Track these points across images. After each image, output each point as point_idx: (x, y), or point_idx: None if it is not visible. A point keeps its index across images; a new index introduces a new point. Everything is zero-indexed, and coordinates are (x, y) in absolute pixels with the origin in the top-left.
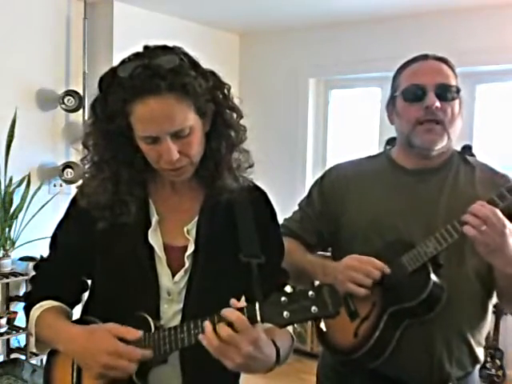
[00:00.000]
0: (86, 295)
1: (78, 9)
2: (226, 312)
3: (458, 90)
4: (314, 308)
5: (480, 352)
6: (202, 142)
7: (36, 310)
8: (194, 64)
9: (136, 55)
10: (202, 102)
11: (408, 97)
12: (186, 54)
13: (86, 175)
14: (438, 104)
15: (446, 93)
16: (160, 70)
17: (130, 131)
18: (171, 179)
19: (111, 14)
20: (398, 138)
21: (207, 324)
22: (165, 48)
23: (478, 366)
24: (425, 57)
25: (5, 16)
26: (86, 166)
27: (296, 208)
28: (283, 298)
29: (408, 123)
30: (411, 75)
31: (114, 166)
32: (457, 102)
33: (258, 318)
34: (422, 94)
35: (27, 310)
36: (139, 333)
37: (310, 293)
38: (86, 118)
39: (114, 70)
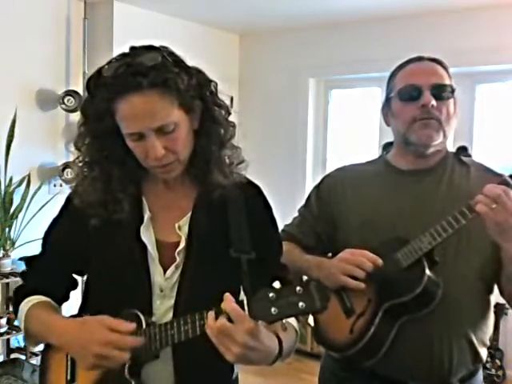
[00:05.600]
0: (81, 293)
1: (78, 9)
2: (222, 304)
3: (453, 90)
4: (301, 303)
5: (483, 352)
6: (189, 138)
7: (25, 305)
8: (178, 62)
9: (121, 55)
10: (186, 98)
11: (404, 97)
12: (170, 53)
13: (79, 175)
14: (433, 102)
15: (441, 92)
16: (141, 68)
17: (119, 130)
18: (161, 177)
19: (111, 14)
20: (395, 138)
21: (210, 313)
22: (149, 47)
23: (480, 367)
24: (419, 58)
25: (5, 16)
26: (79, 167)
27: (296, 213)
28: (271, 294)
29: (404, 122)
30: (407, 76)
31: (106, 165)
32: (452, 101)
33: (241, 311)
34: (417, 94)
35: (16, 306)
36: (132, 325)
37: (298, 288)
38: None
39: (99, 71)
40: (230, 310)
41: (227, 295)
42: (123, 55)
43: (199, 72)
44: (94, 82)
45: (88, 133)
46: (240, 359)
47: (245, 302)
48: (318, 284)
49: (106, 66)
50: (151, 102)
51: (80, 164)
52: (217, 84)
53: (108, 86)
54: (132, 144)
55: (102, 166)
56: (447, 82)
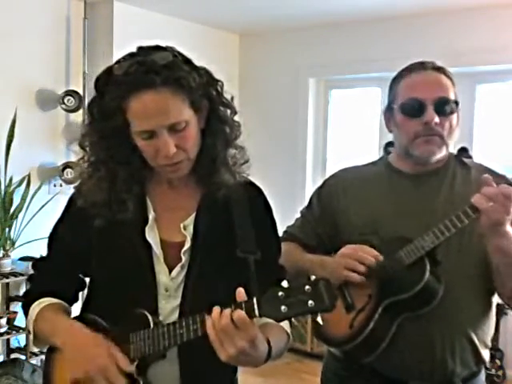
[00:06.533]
0: (85, 293)
1: (78, 9)
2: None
3: (457, 103)
4: (310, 302)
5: (485, 353)
6: (198, 137)
7: (36, 307)
8: (187, 61)
9: (131, 55)
10: (196, 97)
11: (407, 111)
12: (179, 53)
13: (83, 175)
14: (437, 120)
15: (444, 107)
16: (154, 66)
17: (127, 129)
18: (169, 176)
19: (111, 14)
20: (396, 146)
21: (215, 308)
22: (158, 47)
23: (483, 367)
24: (422, 65)
25: (5, 16)
26: (83, 167)
27: (296, 213)
28: (280, 293)
29: (406, 137)
30: (410, 88)
31: (111, 165)
32: (455, 114)
33: (256, 313)
34: (420, 109)
35: (26, 308)
36: (132, 367)
37: (307, 287)
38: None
39: (109, 70)
40: (237, 318)
41: (239, 291)
42: (132, 54)
43: (206, 72)
44: (104, 80)
45: (94, 132)
46: (231, 360)
47: (254, 300)
48: (327, 283)
49: (116, 65)
50: (164, 100)
51: (85, 164)
52: (223, 84)
53: (120, 84)
54: (142, 143)
55: (108, 166)
56: (451, 93)
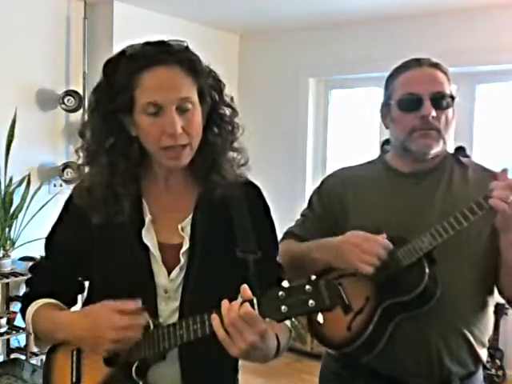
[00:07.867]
0: (84, 295)
1: (78, 9)
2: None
3: (453, 98)
4: (311, 302)
5: (483, 353)
6: (201, 128)
7: (32, 308)
8: (197, 56)
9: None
10: (203, 85)
11: (403, 106)
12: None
13: (81, 168)
14: (434, 113)
15: (441, 101)
16: (168, 48)
17: (131, 111)
18: (169, 165)
19: (111, 14)
20: (393, 142)
21: (225, 301)
22: None
23: (481, 367)
24: (418, 62)
25: (5, 16)
26: (83, 156)
27: (296, 213)
28: (281, 293)
29: (403, 131)
30: (406, 83)
31: (112, 155)
32: (451, 109)
33: (257, 313)
34: (417, 104)
35: (23, 311)
36: (138, 302)
37: (307, 287)
38: (86, 110)
39: (121, 52)
40: (244, 313)
41: (244, 286)
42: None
43: (211, 70)
44: (115, 63)
45: (98, 116)
46: (242, 355)
47: (255, 300)
48: (327, 282)
49: (129, 48)
50: (177, 75)
51: (83, 154)
52: (225, 84)
53: (134, 60)
54: (147, 121)
55: (109, 154)
56: (447, 88)
